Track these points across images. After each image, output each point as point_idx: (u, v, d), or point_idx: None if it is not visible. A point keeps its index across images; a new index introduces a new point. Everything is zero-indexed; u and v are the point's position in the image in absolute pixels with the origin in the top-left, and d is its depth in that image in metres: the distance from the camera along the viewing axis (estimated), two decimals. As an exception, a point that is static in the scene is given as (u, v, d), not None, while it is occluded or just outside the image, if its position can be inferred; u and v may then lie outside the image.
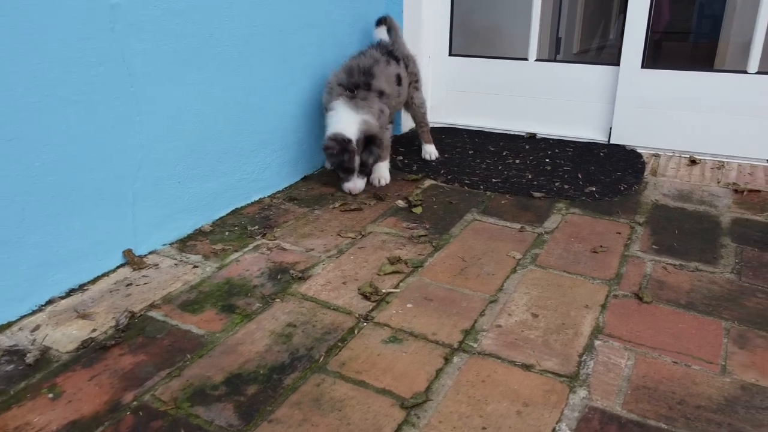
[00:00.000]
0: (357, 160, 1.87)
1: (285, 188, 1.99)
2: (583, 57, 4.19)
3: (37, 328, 1.23)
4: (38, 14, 1.19)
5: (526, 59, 2.48)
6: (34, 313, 1.28)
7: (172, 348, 1.18)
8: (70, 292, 1.36)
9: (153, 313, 1.29)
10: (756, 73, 2.13)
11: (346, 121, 1.86)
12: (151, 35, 1.42)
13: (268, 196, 1.92)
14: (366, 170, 1.94)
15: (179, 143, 1.57)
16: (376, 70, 1.95)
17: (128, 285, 1.40)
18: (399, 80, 2.06)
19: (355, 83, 1.90)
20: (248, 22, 1.70)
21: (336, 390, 1.06)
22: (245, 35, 1.70)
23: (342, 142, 1.83)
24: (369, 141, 1.87)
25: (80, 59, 1.29)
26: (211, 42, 1.59)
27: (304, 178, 2.09)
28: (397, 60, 2.07)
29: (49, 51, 1.23)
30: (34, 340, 1.20)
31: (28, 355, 1.14)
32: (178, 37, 1.50)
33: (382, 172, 2.04)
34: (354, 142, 1.84)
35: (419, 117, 2.25)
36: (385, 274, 1.45)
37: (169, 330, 1.23)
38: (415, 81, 2.20)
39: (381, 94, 1.94)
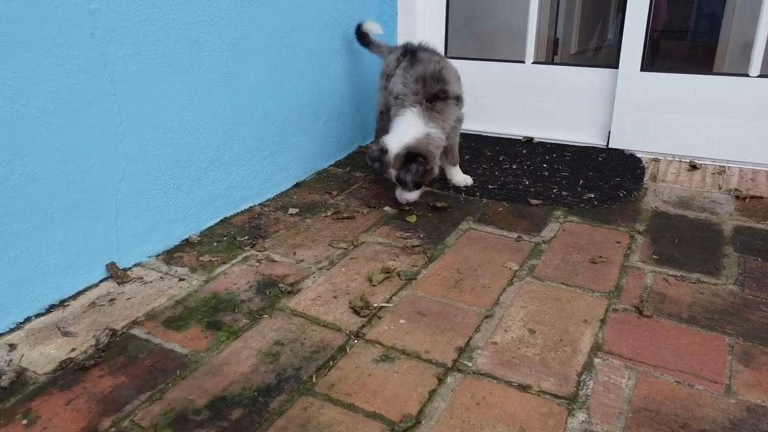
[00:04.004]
0: (393, 173, 1.74)
1: (276, 196, 1.94)
2: (581, 58, 4.14)
3: (13, 347, 1.18)
4: (12, 21, 1.14)
5: (523, 62, 2.44)
6: (11, 331, 1.23)
7: (154, 369, 1.13)
8: (51, 309, 1.31)
9: (135, 331, 1.24)
10: (758, 76, 2.08)
11: (407, 132, 1.74)
12: (133, 41, 1.37)
13: (259, 205, 1.87)
14: (412, 185, 1.75)
15: (164, 151, 1.52)
16: (446, 74, 1.79)
17: (111, 300, 1.35)
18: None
19: (434, 94, 1.75)
20: (235, 25, 1.65)
21: (324, 414, 1.01)
22: (233, 39, 1.65)
23: (380, 152, 1.74)
24: (409, 158, 1.70)
25: (59, 67, 1.24)
26: (196, 47, 1.54)
27: (297, 185, 2.03)
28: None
29: (25, 59, 1.17)
30: (11, 360, 1.15)
31: (3, 377, 1.09)
32: (162, 42, 1.45)
33: (456, 176, 2.00)
34: (391, 155, 1.72)
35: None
36: (378, 286, 1.40)
37: (152, 349, 1.18)
38: None
39: (458, 99, 1.81)
